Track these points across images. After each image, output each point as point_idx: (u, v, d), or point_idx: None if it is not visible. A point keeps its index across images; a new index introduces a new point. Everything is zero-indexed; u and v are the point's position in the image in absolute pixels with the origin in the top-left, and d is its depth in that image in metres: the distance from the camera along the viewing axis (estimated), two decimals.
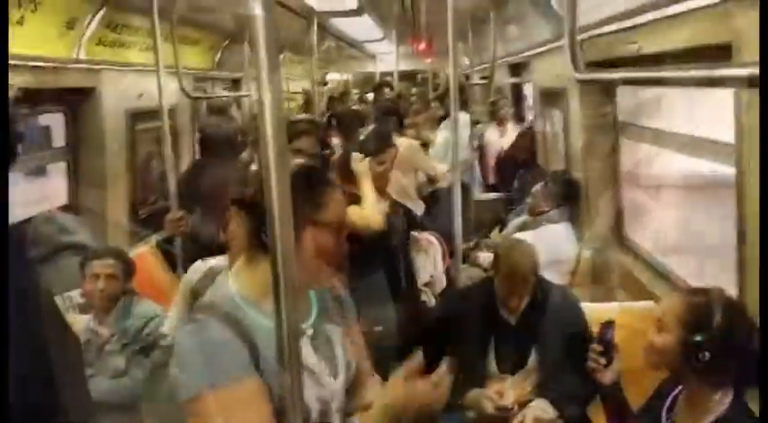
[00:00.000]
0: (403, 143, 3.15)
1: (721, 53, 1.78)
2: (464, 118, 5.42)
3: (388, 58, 11.06)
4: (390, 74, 13.56)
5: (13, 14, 2.54)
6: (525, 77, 5.45)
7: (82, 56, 3.23)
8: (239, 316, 1.29)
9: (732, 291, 1.81)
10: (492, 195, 4.90)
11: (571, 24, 1.48)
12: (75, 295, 2.91)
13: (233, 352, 1.25)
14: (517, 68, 6.01)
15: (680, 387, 1.66)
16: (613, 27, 2.31)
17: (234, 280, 1.38)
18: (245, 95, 5.94)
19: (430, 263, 2.93)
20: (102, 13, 3.15)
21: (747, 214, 1.83)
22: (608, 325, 1.91)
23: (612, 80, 1.69)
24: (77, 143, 3.68)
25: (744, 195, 1.84)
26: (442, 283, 3.00)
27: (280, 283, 1.02)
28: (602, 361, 1.86)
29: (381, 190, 2.68)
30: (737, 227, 1.91)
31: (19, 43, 2.69)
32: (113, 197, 3.83)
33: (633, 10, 2.04)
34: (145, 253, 3.64)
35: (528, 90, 5.91)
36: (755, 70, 0.74)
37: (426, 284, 2.94)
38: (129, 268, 2.75)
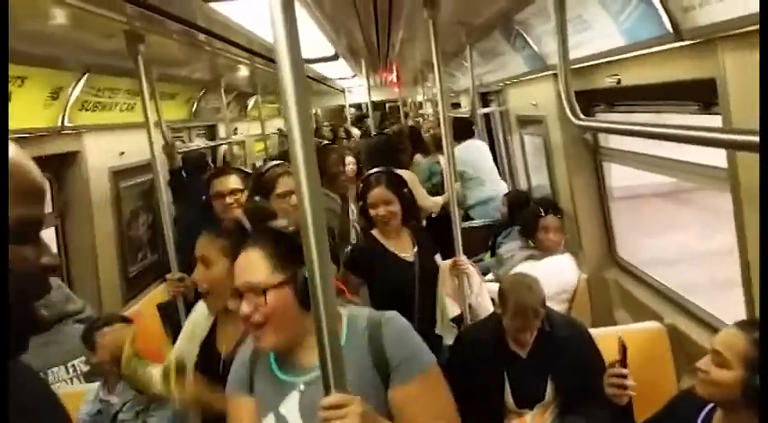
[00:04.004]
0: (404, 174, 3.17)
1: (702, 86, 1.88)
2: (482, 145, 5.55)
3: (356, 90, 11.23)
4: (359, 105, 13.86)
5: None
6: (496, 107, 5.60)
7: (66, 122, 3.23)
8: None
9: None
10: (479, 221, 4.97)
11: (565, 78, 1.57)
12: (79, 364, 2.88)
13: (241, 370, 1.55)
14: (485, 98, 6.19)
15: (710, 405, 1.70)
16: (594, 62, 2.40)
17: None
18: (227, 142, 5.98)
19: (468, 288, 2.79)
20: (85, 78, 3.16)
21: (746, 218, 1.85)
22: (624, 348, 1.97)
23: (609, 130, 1.76)
24: (65, 207, 3.67)
25: (740, 199, 1.86)
26: (484, 308, 2.83)
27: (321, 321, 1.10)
28: (625, 383, 1.91)
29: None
30: (737, 231, 1.91)
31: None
32: (103, 257, 3.81)
33: (614, 49, 2.13)
34: (139, 311, 3.62)
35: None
36: (755, 138, 0.81)
37: (456, 319, 2.78)
38: (134, 332, 2.74)
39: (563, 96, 1.55)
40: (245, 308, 1.40)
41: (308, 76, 6.38)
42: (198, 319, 2.10)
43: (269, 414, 1.46)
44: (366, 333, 1.45)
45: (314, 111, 13.83)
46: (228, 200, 2.98)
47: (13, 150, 0.76)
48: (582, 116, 1.58)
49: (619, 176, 3.49)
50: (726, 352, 1.58)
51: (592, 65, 2.53)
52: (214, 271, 1.89)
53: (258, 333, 1.41)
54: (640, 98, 2.65)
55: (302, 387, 1.45)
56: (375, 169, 2.97)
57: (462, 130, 5.25)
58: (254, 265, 1.41)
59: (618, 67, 2.44)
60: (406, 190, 2.82)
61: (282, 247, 1.43)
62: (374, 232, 2.83)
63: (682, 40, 1.74)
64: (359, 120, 9.59)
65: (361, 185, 2.91)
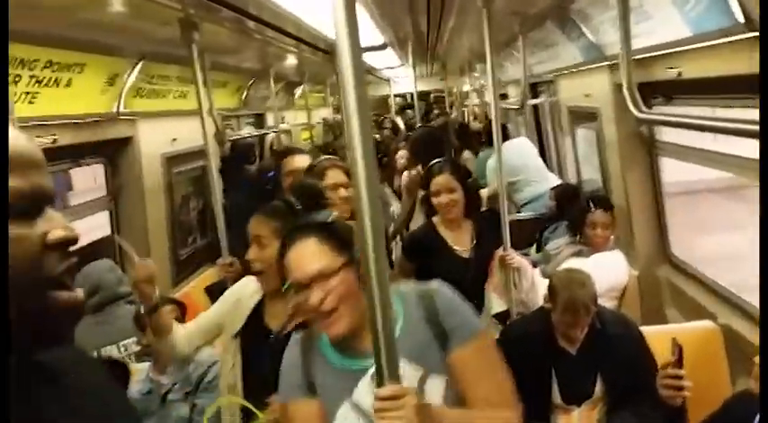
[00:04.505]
0: None
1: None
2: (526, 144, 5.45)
3: (401, 80, 11.18)
4: (403, 95, 13.80)
5: (63, 77, 2.62)
6: (547, 98, 5.48)
7: (122, 108, 3.31)
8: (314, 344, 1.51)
9: None
10: (526, 214, 4.89)
11: (627, 69, 1.52)
12: (131, 344, 2.97)
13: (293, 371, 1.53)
14: (535, 89, 6.07)
15: None
16: (654, 53, 2.32)
17: None
18: (276, 131, 6.04)
19: (517, 282, 2.73)
20: (140, 66, 3.23)
21: None
22: (680, 349, 1.92)
23: (674, 124, 1.69)
24: (118, 191, 3.76)
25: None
26: (535, 304, 2.71)
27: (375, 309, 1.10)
28: (681, 384, 1.87)
29: None
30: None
31: (66, 103, 2.77)
32: (155, 240, 3.90)
33: (677, 41, 2.06)
34: (190, 293, 3.71)
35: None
36: None
37: (499, 315, 2.75)
38: (183, 312, 2.82)
39: (624, 87, 1.51)
40: (314, 297, 1.41)
41: None
42: (242, 291, 2.15)
43: (342, 405, 1.46)
44: (420, 306, 1.50)
45: None
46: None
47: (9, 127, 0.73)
48: (644, 108, 1.53)
49: (672, 172, 3.38)
50: None
51: (650, 56, 2.45)
52: (268, 251, 1.93)
53: (330, 319, 1.42)
54: (700, 91, 2.56)
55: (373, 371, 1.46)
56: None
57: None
58: (315, 254, 1.43)
59: (679, 59, 2.35)
60: (470, 179, 2.80)
61: (333, 231, 1.48)
62: (435, 220, 2.81)
63: (754, 30, 1.66)
64: (402, 110, 9.55)
65: (424, 173, 2.90)
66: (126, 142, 3.66)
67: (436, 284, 1.57)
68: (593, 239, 3.32)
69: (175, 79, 3.84)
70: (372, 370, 1.40)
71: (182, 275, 4.23)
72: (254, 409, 1.83)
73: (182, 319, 2.78)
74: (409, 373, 1.42)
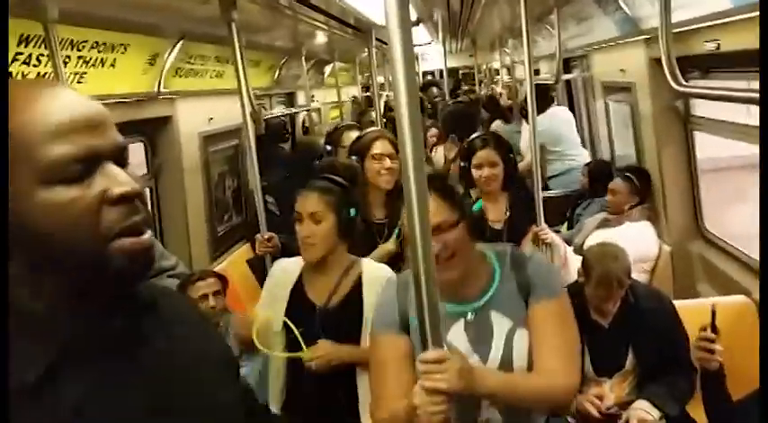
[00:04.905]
0: None
1: None
2: (567, 114, 5.44)
3: (430, 57, 11.13)
4: (431, 72, 13.70)
5: (109, 58, 2.70)
6: (580, 73, 5.43)
7: (162, 88, 3.39)
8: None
9: None
10: (558, 191, 4.89)
11: (666, 42, 1.53)
12: None
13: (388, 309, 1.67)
14: (567, 64, 6.00)
15: None
16: (694, 26, 2.31)
17: None
18: (306, 109, 6.10)
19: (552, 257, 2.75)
20: (179, 45, 3.29)
21: None
22: (713, 313, 1.96)
23: (715, 97, 1.70)
24: (158, 170, 3.86)
25: None
26: (566, 279, 2.64)
27: (420, 276, 1.16)
28: (714, 347, 1.90)
29: None
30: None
31: (111, 83, 2.86)
32: (193, 218, 4.00)
33: (717, 13, 2.05)
34: (226, 269, 3.81)
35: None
36: None
37: None
38: (225, 285, 2.91)
39: (663, 61, 1.52)
40: (435, 247, 1.51)
41: (382, 42, 6.39)
42: (278, 280, 2.23)
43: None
44: (513, 266, 1.67)
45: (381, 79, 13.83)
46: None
47: (61, 90, 0.78)
48: (683, 82, 1.54)
49: (706, 147, 3.36)
50: None
51: (688, 30, 2.43)
52: (323, 226, 2.05)
53: (447, 266, 1.56)
54: (737, 64, 2.54)
55: (470, 316, 1.62)
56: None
57: (540, 98, 5.09)
58: (437, 208, 1.57)
59: (718, 32, 2.33)
60: (511, 155, 2.84)
61: (449, 189, 1.66)
62: (472, 192, 2.86)
63: None
64: (425, 87, 9.40)
65: (465, 146, 2.95)
66: (165, 121, 3.75)
67: (532, 254, 1.81)
68: (612, 207, 3.44)
69: (213, 59, 3.91)
70: (469, 314, 1.61)
71: (219, 251, 4.34)
72: (301, 343, 1.97)
73: (223, 292, 2.87)
74: (500, 323, 1.61)
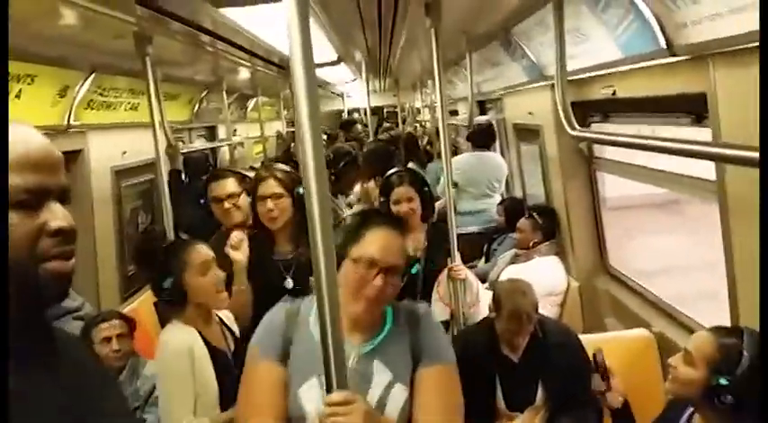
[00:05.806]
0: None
1: (694, 99, 1.95)
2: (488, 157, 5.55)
3: (355, 94, 11.30)
4: (357, 110, 13.92)
5: (13, 88, 2.60)
6: (494, 115, 5.65)
7: (72, 121, 3.28)
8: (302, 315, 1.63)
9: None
10: (473, 228, 5.01)
11: (562, 88, 1.63)
12: None
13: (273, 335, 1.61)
14: (483, 106, 6.26)
15: (692, 409, 1.76)
16: (591, 74, 2.46)
17: None
18: (228, 144, 6.03)
19: (462, 294, 2.79)
20: (92, 78, 3.21)
21: (732, 229, 1.90)
22: (597, 352, 2.08)
23: (604, 141, 1.82)
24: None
25: (727, 210, 1.90)
26: (478, 314, 2.80)
27: (324, 309, 1.16)
28: (603, 386, 1.99)
29: None
30: (724, 242, 1.95)
31: (16, 115, 2.74)
32: (102, 255, 3.84)
33: (610, 62, 2.20)
34: (137, 309, 3.66)
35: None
36: (755, 154, 0.87)
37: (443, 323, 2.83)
38: (132, 327, 2.79)
39: (559, 106, 1.62)
40: (384, 283, 1.53)
41: None
42: (189, 350, 2.09)
43: (311, 378, 1.53)
44: (406, 321, 1.65)
45: None
46: (227, 205, 2.90)
47: (26, 128, 0.90)
48: (577, 126, 1.64)
49: (614, 187, 3.56)
50: (694, 352, 1.65)
51: (588, 76, 2.60)
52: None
53: (378, 306, 1.57)
54: (635, 110, 2.72)
55: (352, 360, 1.55)
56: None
57: (480, 138, 5.17)
58: (400, 248, 1.58)
59: (613, 79, 2.50)
60: (426, 188, 2.92)
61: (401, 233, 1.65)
62: None
63: (675, 55, 1.81)
64: (347, 124, 9.53)
65: (383, 183, 3.01)
66: (75, 155, 3.62)
67: (426, 309, 1.77)
68: (519, 243, 3.67)
69: (127, 91, 3.82)
70: (353, 359, 1.55)
71: (129, 291, 4.17)
72: None
73: (130, 334, 2.75)
74: (380, 374, 1.56)
